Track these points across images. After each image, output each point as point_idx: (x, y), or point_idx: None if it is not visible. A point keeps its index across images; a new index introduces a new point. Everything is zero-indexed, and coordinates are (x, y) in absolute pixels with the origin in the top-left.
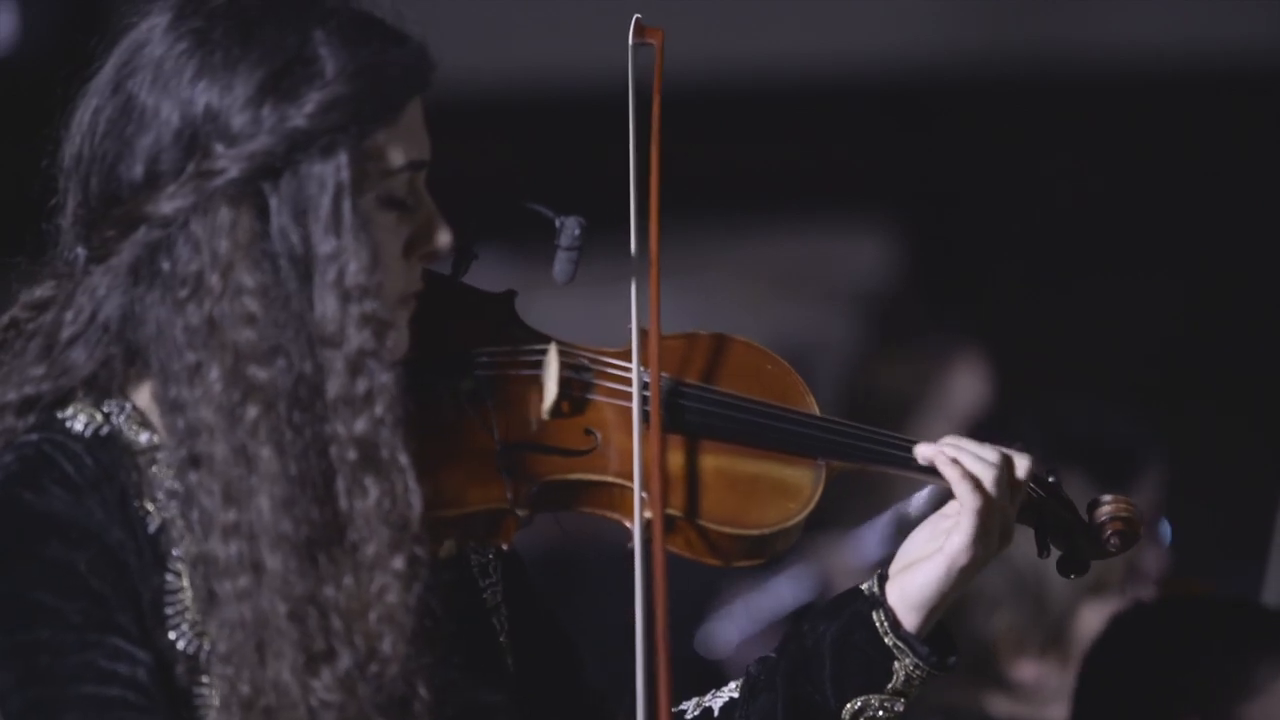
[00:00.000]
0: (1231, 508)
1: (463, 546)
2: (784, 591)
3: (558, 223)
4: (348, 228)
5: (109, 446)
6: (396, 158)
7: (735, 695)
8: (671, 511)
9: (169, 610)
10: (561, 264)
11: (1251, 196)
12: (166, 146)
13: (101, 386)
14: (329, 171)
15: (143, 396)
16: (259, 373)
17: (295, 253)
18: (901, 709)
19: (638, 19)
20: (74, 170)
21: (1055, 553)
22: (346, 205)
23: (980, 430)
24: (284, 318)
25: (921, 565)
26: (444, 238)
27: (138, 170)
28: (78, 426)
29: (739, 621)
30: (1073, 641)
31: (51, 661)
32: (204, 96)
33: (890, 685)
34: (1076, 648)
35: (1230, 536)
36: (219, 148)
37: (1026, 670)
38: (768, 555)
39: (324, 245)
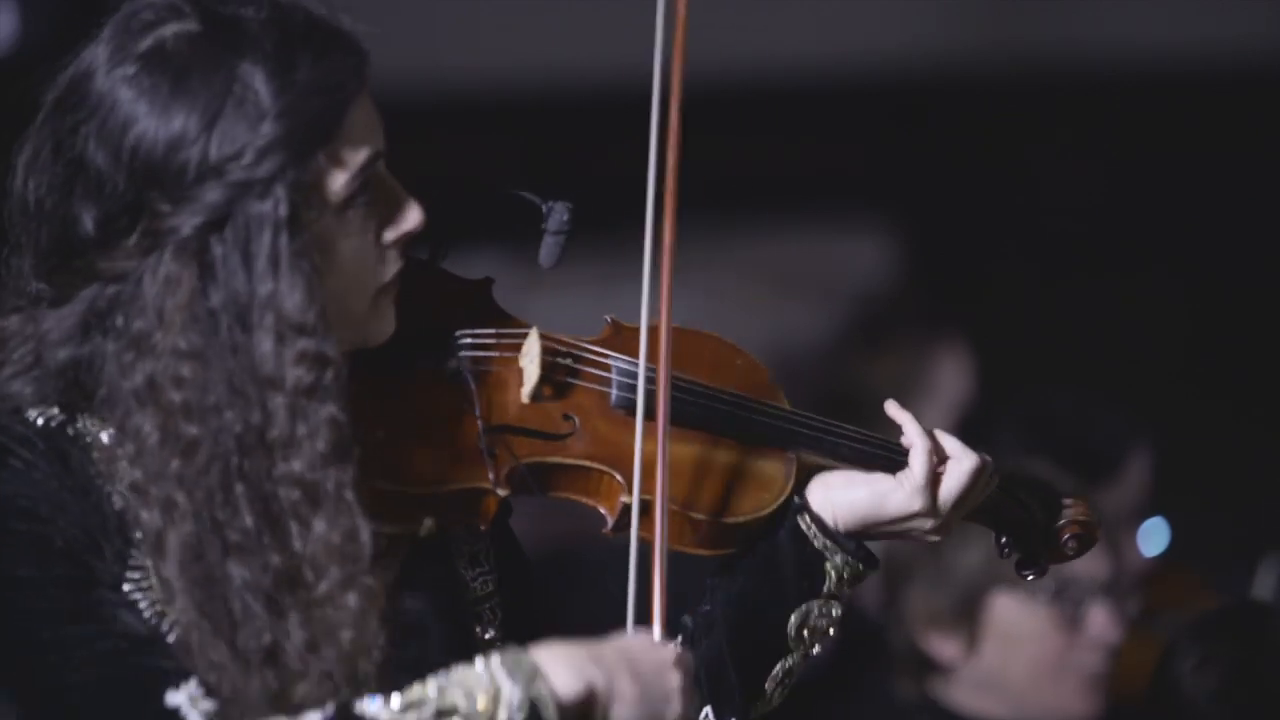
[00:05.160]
0: (1230, 505)
1: (443, 527)
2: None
3: (545, 207)
4: (284, 263)
5: (63, 437)
6: (338, 177)
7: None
8: (647, 497)
9: (128, 586)
10: (547, 248)
11: (1252, 196)
12: (114, 207)
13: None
14: (267, 210)
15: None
16: (189, 429)
17: (240, 300)
18: (839, 614)
19: None
20: (25, 221)
21: (1015, 555)
22: (283, 240)
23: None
24: (221, 374)
25: (850, 488)
26: (414, 216)
27: (88, 227)
28: (35, 417)
29: None
30: (982, 625)
31: (53, 635)
32: (145, 152)
33: (826, 587)
34: (988, 633)
35: (1229, 534)
36: (165, 207)
37: (945, 647)
38: (737, 545)
39: (263, 286)
